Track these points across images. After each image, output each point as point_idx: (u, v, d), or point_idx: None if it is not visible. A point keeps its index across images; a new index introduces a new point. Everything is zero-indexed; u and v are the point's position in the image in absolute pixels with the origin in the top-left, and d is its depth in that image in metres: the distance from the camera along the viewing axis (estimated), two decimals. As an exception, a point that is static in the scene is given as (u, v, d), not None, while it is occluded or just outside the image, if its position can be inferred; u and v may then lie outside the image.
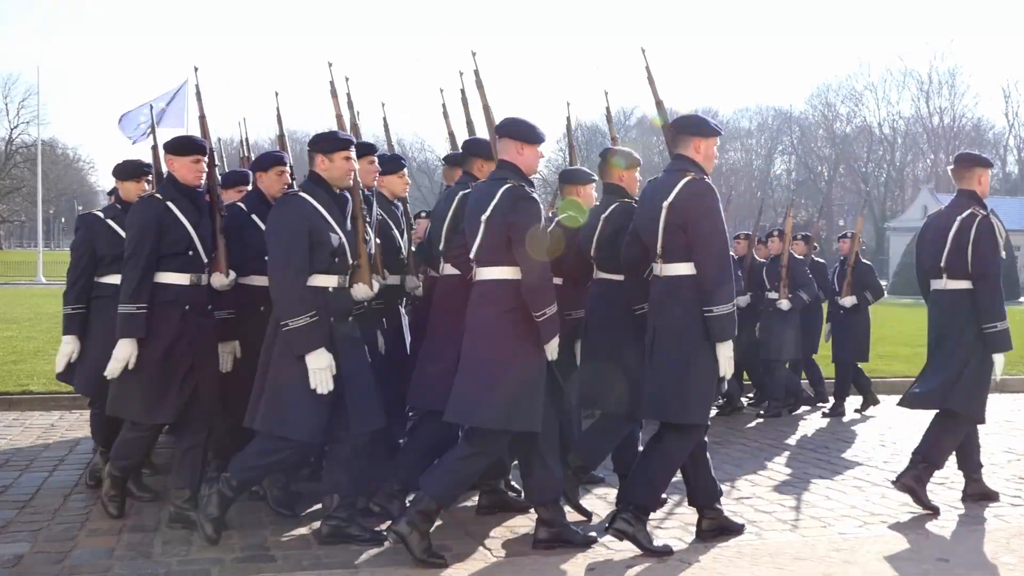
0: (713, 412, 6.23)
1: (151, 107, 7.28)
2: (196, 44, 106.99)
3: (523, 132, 4.45)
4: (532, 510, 5.04)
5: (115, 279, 5.04)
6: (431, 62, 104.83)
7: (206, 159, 4.89)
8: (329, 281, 4.44)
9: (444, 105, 6.04)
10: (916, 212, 56.80)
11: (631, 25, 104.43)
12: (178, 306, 4.72)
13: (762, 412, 8.80)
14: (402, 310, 5.64)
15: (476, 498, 5.26)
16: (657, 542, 4.53)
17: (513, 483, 5.41)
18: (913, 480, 5.33)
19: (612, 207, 5.14)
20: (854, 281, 8.95)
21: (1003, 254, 5.51)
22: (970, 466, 5.66)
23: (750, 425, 8.33)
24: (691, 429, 4.49)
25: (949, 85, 69.10)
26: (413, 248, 5.52)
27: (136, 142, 10.96)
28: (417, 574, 4.20)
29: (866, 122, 69.93)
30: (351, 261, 4.55)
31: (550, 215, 5.90)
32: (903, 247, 43.13)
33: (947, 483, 6.08)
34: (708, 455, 4.78)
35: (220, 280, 4.93)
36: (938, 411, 5.48)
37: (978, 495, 5.61)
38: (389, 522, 4.56)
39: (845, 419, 8.80)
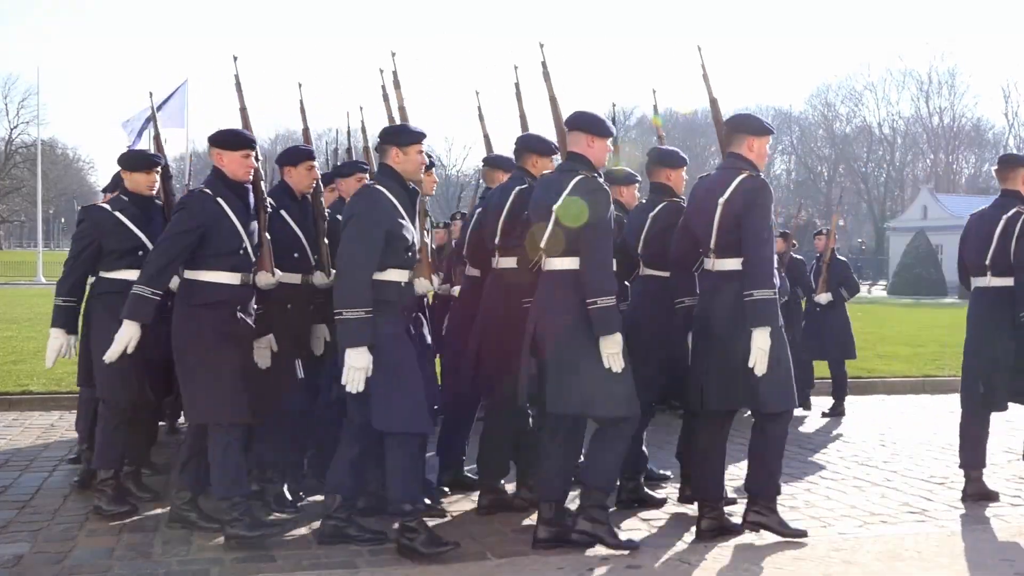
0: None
1: (152, 106, 7.13)
2: (196, 44, 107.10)
3: (593, 125, 4.55)
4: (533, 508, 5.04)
5: (126, 274, 4.91)
6: (431, 63, 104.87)
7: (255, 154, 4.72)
8: (401, 276, 4.43)
9: (480, 108, 6.06)
10: (916, 212, 56.87)
11: (631, 25, 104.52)
12: (231, 307, 4.57)
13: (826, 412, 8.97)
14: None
15: (476, 497, 5.27)
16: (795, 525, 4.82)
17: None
18: None
19: (660, 206, 5.25)
20: (830, 278, 9.05)
21: None
22: (975, 462, 5.68)
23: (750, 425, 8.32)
24: (783, 413, 4.69)
25: (949, 85, 69.22)
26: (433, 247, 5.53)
27: (134, 144, 10.98)
28: (417, 573, 4.20)
29: (866, 122, 70.04)
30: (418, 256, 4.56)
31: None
32: (903, 247, 43.21)
33: (947, 483, 6.08)
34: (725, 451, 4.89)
35: (266, 279, 4.74)
36: None
37: (978, 495, 5.62)
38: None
39: (845, 419, 8.80)
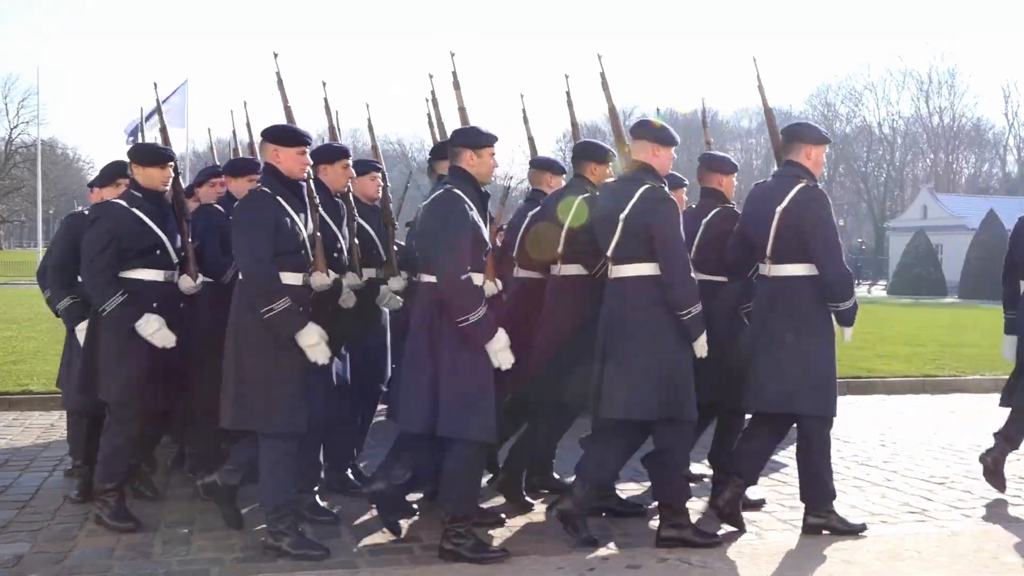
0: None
1: (157, 98, 6.93)
2: (196, 44, 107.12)
3: (658, 135, 4.62)
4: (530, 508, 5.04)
5: (143, 274, 4.78)
6: (429, 63, 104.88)
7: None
8: (479, 279, 4.43)
9: (524, 111, 6.09)
10: (916, 212, 56.85)
11: (631, 25, 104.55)
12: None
13: None
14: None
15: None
16: (854, 521, 4.94)
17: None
18: None
19: (714, 212, 5.31)
20: None
21: None
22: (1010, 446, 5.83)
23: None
24: (826, 418, 4.78)
25: (949, 85, 69.20)
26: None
27: (129, 143, 10.95)
28: (417, 573, 4.20)
29: (866, 122, 70.01)
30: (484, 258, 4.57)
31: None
32: (902, 247, 43.19)
33: (947, 483, 6.08)
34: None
35: (322, 280, 4.61)
36: None
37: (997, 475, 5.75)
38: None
39: (845, 419, 8.79)
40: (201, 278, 4.92)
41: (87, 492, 5.20)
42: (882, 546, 4.73)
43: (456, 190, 4.37)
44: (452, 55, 5.17)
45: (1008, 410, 5.98)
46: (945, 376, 10.90)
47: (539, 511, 5.21)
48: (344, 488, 5.45)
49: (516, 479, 5.29)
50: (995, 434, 5.91)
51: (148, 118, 9.65)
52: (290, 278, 4.39)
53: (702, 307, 4.49)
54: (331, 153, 5.17)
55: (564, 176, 5.62)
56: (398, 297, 5.28)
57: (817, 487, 4.84)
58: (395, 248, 5.46)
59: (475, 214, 4.37)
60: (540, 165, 5.67)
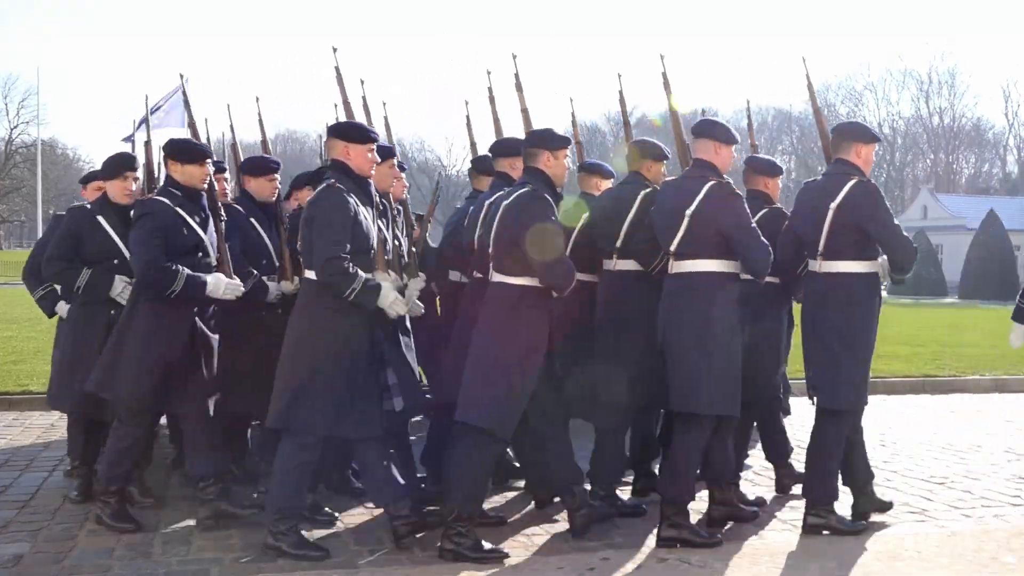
0: None
1: (184, 90, 6.81)
2: (196, 44, 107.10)
3: (720, 133, 4.75)
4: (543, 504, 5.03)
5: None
6: (431, 64, 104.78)
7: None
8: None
9: (573, 114, 6.18)
10: (916, 212, 56.87)
11: (631, 25, 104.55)
12: (366, 313, 4.39)
13: None
14: None
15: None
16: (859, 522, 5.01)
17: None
18: None
19: (760, 213, 5.37)
20: None
21: None
22: None
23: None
24: (846, 414, 4.84)
25: (949, 85, 69.20)
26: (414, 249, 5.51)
27: (127, 141, 10.83)
28: (418, 573, 4.20)
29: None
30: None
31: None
32: (903, 247, 43.08)
33: (947, 483, 6.08)
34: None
35: (393, 283, 4.59)
36: None
37: None
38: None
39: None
40: (236, 280, 4.86)
41: (87, 492, 5.20)
42: (882, 546, 4.73)
43: (542, 192, 4.44)
44: (514, 57, 5.29)
45: None
46: (945, 376, 10.90)
47: (539, 514, 5.20)
48: (344, 488, 5.45)
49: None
50: None
51: (130, 137, 9.58)
52: None
53: (750, 309, 4.66)
54: (380, 152, 5.09)
55: (612, 180, 5.70)
56: (419, 303, 5.09)
57: (824, 486, 4.88)
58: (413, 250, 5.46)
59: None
60: (590, 169, 5.73)
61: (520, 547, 4.59)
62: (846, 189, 4.73)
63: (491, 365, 4.39)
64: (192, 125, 5.36)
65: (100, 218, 5.16)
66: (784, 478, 5.75)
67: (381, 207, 4.88)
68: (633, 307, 4.97)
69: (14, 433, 7.33)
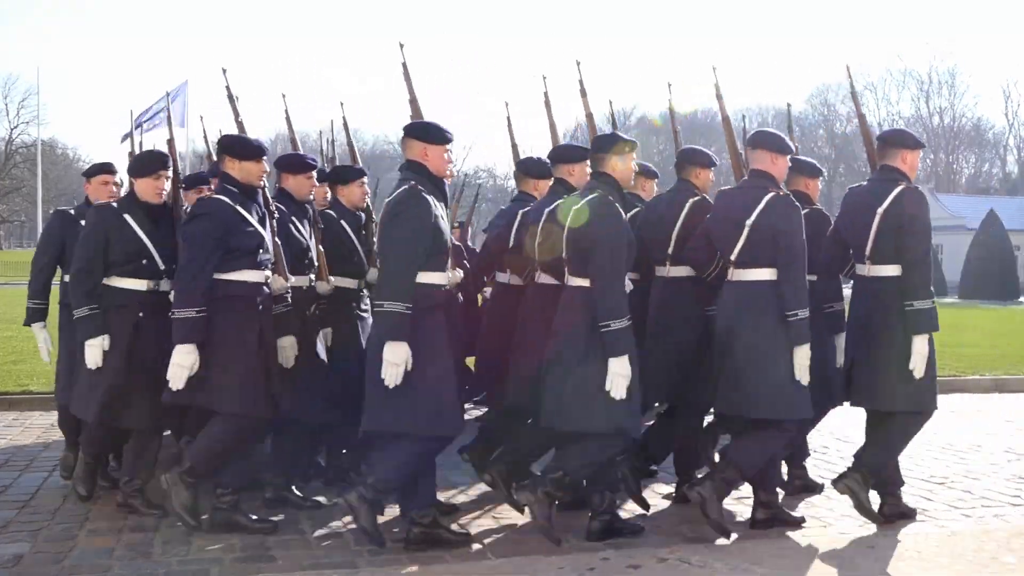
0: None
1: (229, 89, 6.63)
2: (196, 45, 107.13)
3: (777, 143, 4.84)
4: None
5: (248, 275, 4.55)
6: (432, 63, 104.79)
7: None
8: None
9: (612, 115, 6.20)
10: (916, 212, 56.77)
11: (631, 25, 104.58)
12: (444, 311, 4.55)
13: None
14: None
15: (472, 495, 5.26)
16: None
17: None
18: None
19: (803, 213, 5.40)
20: None
21: None
22: None
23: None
24: (920, 415, 4.98)
25: (949, 85, 69.21)
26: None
27: (124, 140, 10.77)
28: (418, 573, 4.20)
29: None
30: None
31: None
32: (903, 247, 43.07)
33: (947, 483, 6.08)
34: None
35: (457, 278, 4.67)
36: None
37: None
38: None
39: (845, 419, 8.78)
40: (292, 279, 4.88)
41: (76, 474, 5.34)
42: (882, 546, 4.72)
43: (611, 197, 4.52)
44: (578, 64, 5.35)
45: None
46: (945, 376, 10.87)
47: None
48: (342, 479, 5.51)
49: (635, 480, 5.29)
50: None
51: (139, 121, 9.58)
52: (433, 277, 4.38)
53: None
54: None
55: (656, 179, 5.80)
56: None
57: (891, 474, 5.11)
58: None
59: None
60: (650, 173, 5.87)
61: (520, 545, 4.59)
62: (893, 195, 4.83)
63: (579, 368, 4.43)
64: (240, 124, 5.33)
65: (128, 216, 4.88)
66: (795, 479, 5.74)
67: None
68: (686, 312, 5.16)
69: (14, 433, 7.34)
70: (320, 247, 5.26)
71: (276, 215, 4.90)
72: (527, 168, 5.60)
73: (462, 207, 8.50)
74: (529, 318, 5.01)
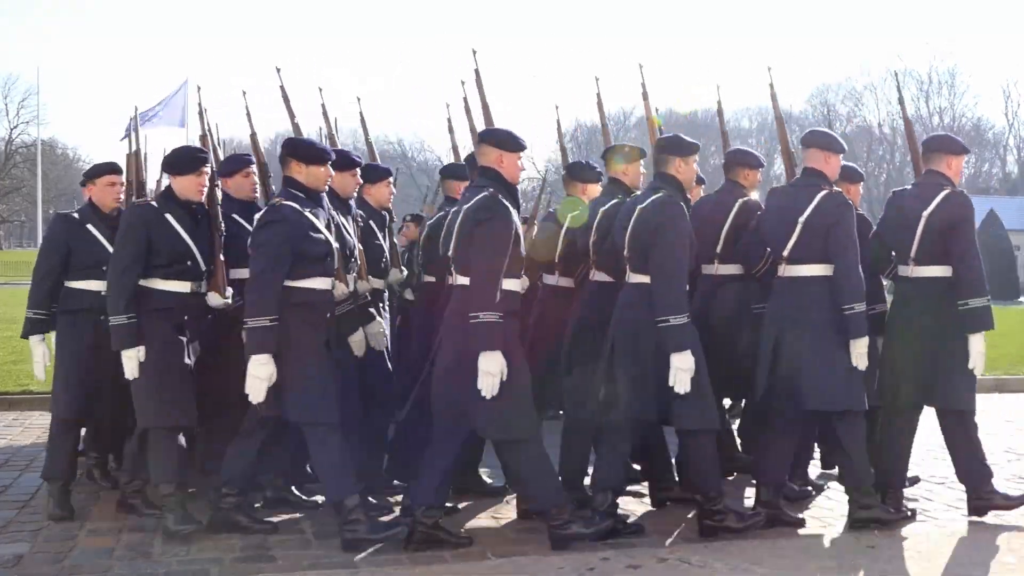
0: None
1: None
2: (196, 44, 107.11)
3: (831, 143, 4.96)
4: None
5: (316, 283, 4.48)
6: (431, 63, 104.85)
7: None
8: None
9: (650, 115, 6.13)
10: (916, 212, 56.76)
11: (631, 24, 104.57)
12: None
13: None
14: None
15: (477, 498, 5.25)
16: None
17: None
18: None
19: None
20: None
21: None
22: None
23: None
24: (968, 412, 5.07)
25: (949, 85, 69.20)
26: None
27: (123, 138, 10.75)
28: (418, 573, 4.20)
29: (866, 122, 70.04)
30: None
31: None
32: (903, 247, 43.05)
33: (947, 483, 6.07)
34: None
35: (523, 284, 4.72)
36: None
37: None
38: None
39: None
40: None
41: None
42: (882, 546, 4.72)
43: (675, 197, 4.67)
44: (641, 67, 5.39)
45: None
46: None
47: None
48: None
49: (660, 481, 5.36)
50: None
51: (126, 134, 9.57)
52: (512, 284, 4.46)
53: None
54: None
55: (704, 187, 5.91)
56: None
57: (977, 469, 5.15)
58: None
59: None
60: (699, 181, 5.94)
61: (520, 545, 4.59)
62: (939, 198, 4.95)
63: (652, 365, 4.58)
64: (294, 124, 5.33)
65: (169, 216, 4.66)
66: (797, 480, 5.70)
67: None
68: (735, 310, 5.27)
69: (14, 433, 7.34)
70: (360, 246, 5.11)
71: (360, 222, 5.04)
72: (577, 172, 5.65)
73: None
74: (589, 315, 5.13)
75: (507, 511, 5.19)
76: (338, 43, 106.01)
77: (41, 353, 5.43)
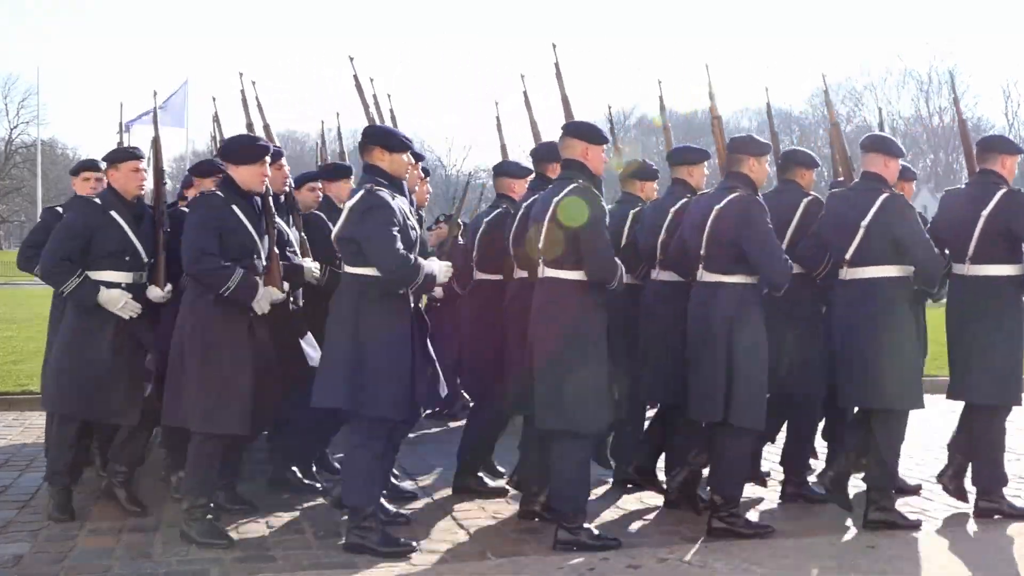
0: None
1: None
2: (196, 44, 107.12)
3: (890, 148, 5.06)
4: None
5: (365, 270, 4.39)
6: (433, 63, 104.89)
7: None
8: None
9: (717, 116, 6.13)
10: (916, 212, 56.79)
11: (631, 25, 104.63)
12: None
13: None
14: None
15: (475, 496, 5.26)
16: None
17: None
18: None
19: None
20: None
21: None
22: None
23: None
24: (1002, 408, 5.30)
25: (949, 85, 69.23)
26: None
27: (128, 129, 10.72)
28: (418, 574, 4.20)
29: (866, 122, 69.97)
30: None
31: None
32: (903, 247, 43.03)
33: (947, 483, 6.07)
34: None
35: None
36: None
37: None
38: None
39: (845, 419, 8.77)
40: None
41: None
42: (881, 546, 4.72)
43: (751, 195, 4.79)
44: (707, 67, 5.45)
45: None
46: (945, 376, 10.81)
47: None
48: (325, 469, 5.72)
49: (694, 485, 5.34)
50: None
51: (126, 129, 9.56)
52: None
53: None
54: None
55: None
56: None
57: (993, 472, 5.23)
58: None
59: None
60: (639, 174, 5.95)
61: (520, 546, 4.59)
62: (997, 197, 5.06)
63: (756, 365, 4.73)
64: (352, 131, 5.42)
65: (235, 208, 4.53)
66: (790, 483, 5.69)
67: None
68: (795, 310, 5.26)
69: (14, 433, 7.34)
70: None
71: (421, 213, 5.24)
72: (638, 172, 5.77)
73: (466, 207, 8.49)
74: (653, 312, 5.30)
75: (507, 511, 5.19)
76: (338, 43, 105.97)
77: (119, 295, 4.81)
